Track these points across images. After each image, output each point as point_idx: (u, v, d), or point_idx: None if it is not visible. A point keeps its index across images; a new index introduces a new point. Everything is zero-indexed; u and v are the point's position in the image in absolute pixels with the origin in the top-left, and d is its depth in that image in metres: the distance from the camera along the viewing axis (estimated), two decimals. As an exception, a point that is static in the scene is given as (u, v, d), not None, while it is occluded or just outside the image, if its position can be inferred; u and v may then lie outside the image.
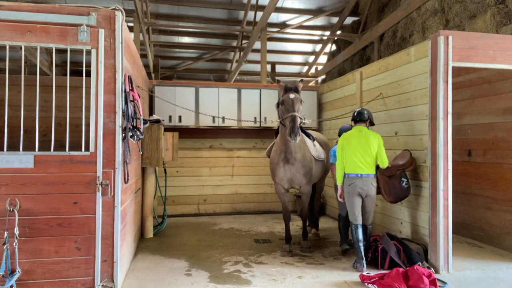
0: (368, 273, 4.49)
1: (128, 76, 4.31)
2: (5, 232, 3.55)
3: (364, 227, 5.08)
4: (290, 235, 5.69)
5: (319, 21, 11.96)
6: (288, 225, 5.71)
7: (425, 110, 5.09)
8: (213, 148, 8.54)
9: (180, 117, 7.80)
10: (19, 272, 3.66)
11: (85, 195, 3.89)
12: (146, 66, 9.32)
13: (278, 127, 5.64)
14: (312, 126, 8.40)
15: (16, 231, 3.60)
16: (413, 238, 5.37)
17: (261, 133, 8.60)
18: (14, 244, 3.58)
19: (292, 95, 5.07)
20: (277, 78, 14.14)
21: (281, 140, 5.41)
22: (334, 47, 13.05)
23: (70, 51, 3.92)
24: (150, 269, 4.90)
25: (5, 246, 3.52)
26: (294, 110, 4.97)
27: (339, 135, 5.49)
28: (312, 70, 15.12)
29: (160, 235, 6.66)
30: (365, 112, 5.20)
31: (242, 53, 12.14)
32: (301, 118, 5.08)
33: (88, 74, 3.97)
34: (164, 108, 7.60)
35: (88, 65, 3.98)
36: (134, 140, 4.62)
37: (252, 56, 11.71)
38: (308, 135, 5.86)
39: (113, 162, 3.97)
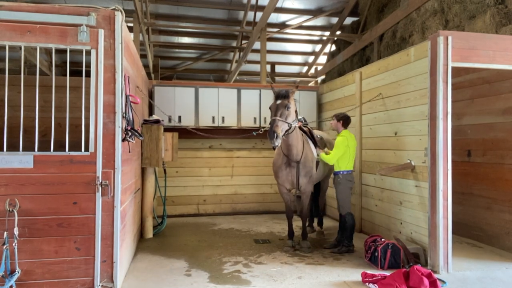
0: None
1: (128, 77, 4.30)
2: (5, 233, 3.54)
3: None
4: (293, 230, 5.89)
5: (319, 21, 11.97)
6: (291, 221, 5.87)
7: (425, 111, 5.09)
8: (213, 148, 8.54)
9: (180, 117, 7.80)
10: (18, 272, 3.66)
11: (85, 195, 3.88)
12: (146, 66, 9.32)
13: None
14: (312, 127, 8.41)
15: (16, 231, 3.59)
16: (413, 238, 5.37)
17: (261, 133, 8.59)
18: (13, 244, 3.57)
19: (278, 101, 5.20)
20: (276, 78, 14.15)
21: (283, 143, 5.47)
22: (333, 48, 13.04)
23: (70, 51, 3.92)
24: (149, 269, 4.90)
25: (5, 246, 3.52)
26: (275, 115, 5.13)
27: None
28: (312, 71, 15.12)
29: (159, 236, 6.66)
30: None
31: (241, 54, 12.13)
32: (288, 123, 5.12)
33: (88, 74, 3.96)
34: (164, 109, 7.60)
35: (88, 65, 3.97)
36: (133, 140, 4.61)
37: (251, 56, 11.71)
38: (313, 136, 5.98)
39: (113, 163, 3.97)
